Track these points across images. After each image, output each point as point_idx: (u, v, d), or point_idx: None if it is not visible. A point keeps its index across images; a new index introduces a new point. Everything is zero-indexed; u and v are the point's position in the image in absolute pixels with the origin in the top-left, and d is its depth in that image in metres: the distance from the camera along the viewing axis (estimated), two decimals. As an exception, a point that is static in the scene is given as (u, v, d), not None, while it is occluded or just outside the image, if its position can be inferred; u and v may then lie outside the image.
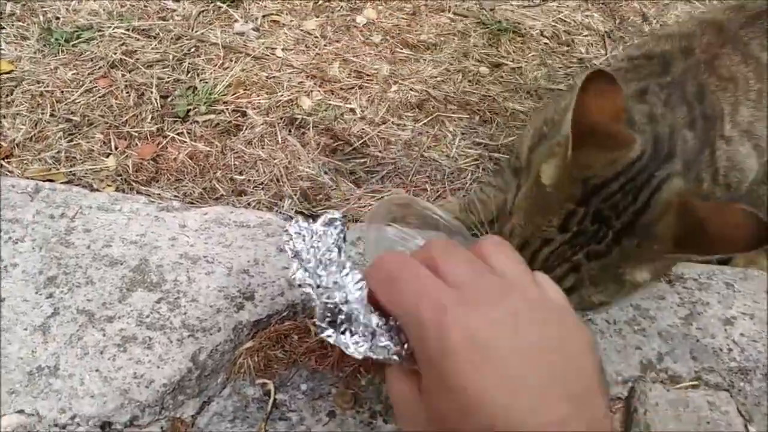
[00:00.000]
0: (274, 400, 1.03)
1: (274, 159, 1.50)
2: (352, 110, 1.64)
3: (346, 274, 0.58)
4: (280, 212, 1.35)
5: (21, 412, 0.93)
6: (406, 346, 0.51)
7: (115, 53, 1.72)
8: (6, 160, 1.40)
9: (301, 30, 1.90)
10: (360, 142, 1.54)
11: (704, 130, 0.98)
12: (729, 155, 1.03)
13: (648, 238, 0.84)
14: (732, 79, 1.02)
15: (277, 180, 1.45)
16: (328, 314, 0.55)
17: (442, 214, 0.76)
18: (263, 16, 1.93)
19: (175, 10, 1.93)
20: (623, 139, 0.88)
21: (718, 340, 1.18)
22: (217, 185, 1.42)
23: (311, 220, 0.64)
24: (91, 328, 1.00)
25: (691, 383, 1.10)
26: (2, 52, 1.70)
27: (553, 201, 0.87)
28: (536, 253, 0.89)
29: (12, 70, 1.65)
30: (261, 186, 1.44)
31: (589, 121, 0.85)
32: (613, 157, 0.87)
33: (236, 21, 1.90)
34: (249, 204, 1.38)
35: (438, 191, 1.44)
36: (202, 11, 1.93)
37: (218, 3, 1.95)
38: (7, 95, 1.57)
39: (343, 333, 0.54)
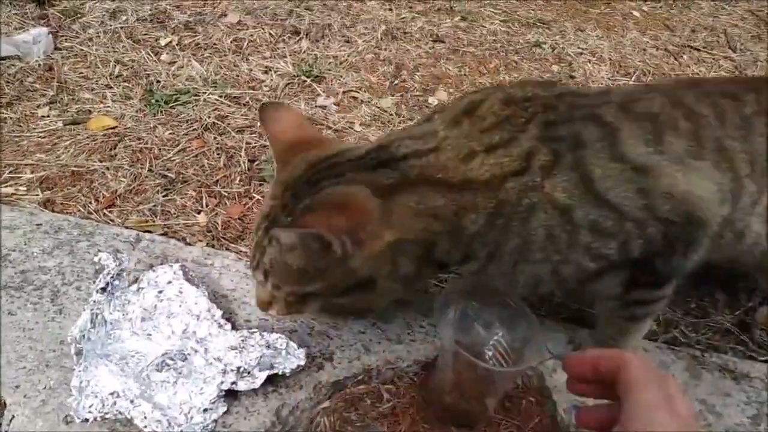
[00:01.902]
0: (348, 461, 1.07)
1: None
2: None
3: None
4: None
5: (118, 449, 0.99)
6: None
7: (209, 117, 1.87)
8: (108, 210, 1.52)
9: (378, 107, 2.02)
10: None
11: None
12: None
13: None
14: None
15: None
16: None
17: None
18: (343, 92, 2.07)
19: (263, 81, 2.08)
20: (319, 139, 1.09)
21: (788, 444, 1.18)
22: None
23: None
24: (182, 376, 1.07)
25: (759, 486, 1.10)
26: (108, 109, 1.86)
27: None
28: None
29: (116, 126, 1.80)
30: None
31: (282, 146, 1.06)
32: (319, 151, 1.04)
33: (319, 95, 2.04)
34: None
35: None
36: (289, 84, 2.08)
37: (303, 77, 2.10)
38: (111, 149, 1.72)
39: None
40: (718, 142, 1.05)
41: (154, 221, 1.51)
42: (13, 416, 1.01)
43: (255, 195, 1.64)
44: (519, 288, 1.09)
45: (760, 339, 1.45)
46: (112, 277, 1.12)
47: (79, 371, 0.99)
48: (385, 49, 2.34)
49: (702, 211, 1.03)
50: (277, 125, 1.09)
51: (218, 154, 1.75)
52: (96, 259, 1.16)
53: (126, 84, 1.98)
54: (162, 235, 1.45)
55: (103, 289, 1.10)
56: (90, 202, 1.53)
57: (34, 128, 1.76)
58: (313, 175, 0.99)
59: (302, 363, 1.09)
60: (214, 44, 2.24)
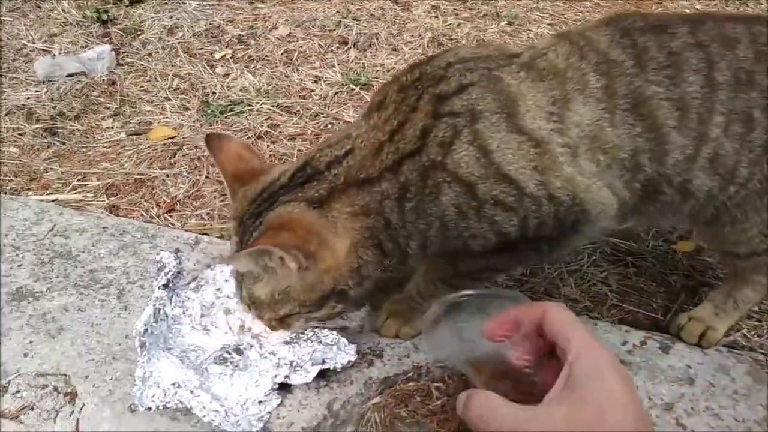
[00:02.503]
0: (398, 456, 1.09)
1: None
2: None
3: None
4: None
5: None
6: None
7: (262, 126, 1.94)
8: (168, 214, 1.59)
9: (426, 112, 2.05)
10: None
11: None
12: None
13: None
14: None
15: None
16: None
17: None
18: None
19: (313, 90, 2.14)
20: (255, 169, 1.08)
21: None
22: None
23: None
24: (238, 369, 1.12)
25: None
26: (167, 120, 1.95)
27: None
28: None
29: (175, 136, 1.88)
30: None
31: (229, 177, 1.10)
32: (256, 185, 1.05)
33: (367, 102, 2.09)
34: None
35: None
36: (337, 92, 2.13)
37: (351, 86, 2.15)
38: (170, 157, 1.80)
39: None
40: (635, 93, 0.98)
41: (211, 225, 1.57)
42: (84, 404, 1.08)
43: (306, 199, 1.68)
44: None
45: (824, 342, 1.40)
46: (172, 274, 1.17)
47: (143, 363, 1.05)
48: (432, 57, 2.37)
49: (583, 196, 1.00)
50: (222, 155, 1.11)
51: (271, 161, 1.81)
52: (158, 258, 1.22)
53: (184, 96, 2.07)
54: (219, 237, 1.51)
55: (165, 286, 1.15)
56: (152, 207, 1.61)
57: (100, 139, 1.86)
58: (254, 210, 1.02)
59: (353, 359, 1.12)
60: (266, 56, 2.32)
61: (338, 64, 2.28)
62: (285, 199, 0.99)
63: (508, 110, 0.97)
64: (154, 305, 1.12)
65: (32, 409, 1.09)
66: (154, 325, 1.12)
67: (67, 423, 1.07)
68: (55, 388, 1.11)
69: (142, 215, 1.57)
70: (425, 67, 1.04)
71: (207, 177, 1.73)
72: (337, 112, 2.03)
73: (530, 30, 2.60)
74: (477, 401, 0.77)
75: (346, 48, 2.40)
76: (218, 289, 1.21)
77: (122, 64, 2.21)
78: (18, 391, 1.11)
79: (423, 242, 1.03)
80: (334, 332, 1.16)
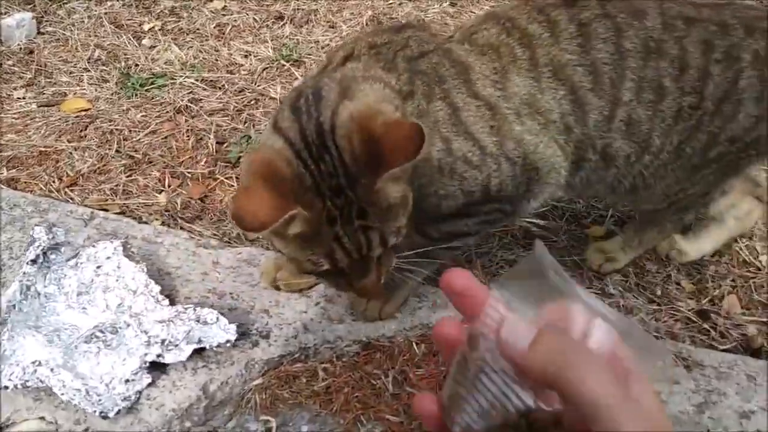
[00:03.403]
0: (274, 437, 1.07)
1: (312, 209, 1.58)
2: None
3: None
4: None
5: (42, 419, 1.01)
6: None
7: (182, 100, 1.88)
8: (69, 188, 1.54)
9: (355, 91, 2.01)
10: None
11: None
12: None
13: (360, 173, 0.88)
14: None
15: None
16: None
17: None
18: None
19: (242, 65, 2.09)
20: None
21: (731, 433, 1.15)
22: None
23: None
24: (106, 347, 1.08)
25: (695, 474, 1.07)
26: (84, 91, 1.89)
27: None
28: (344, 248, 0.92)
29: (89, 108, 1.82)
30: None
31: None
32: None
33: (296, 79, 2.04)
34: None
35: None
36: (267, 68, 2.08)
37: (282, 61, 2.10)
38: (82, 130, 1.74)
39: None
40: (553, 61, 1.06)
41: (114, 200, 1.52)
42: (-54, 384, 1.04)
43: (219, 176, 1.64)
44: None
45: (723, 328, 1.41)
46: (42, 249, 1.13)
47: (3, 340, 1.01)
48: (369, 35, 2.32)
49: (533, 156, 1.07)
50: None
51: (188, 136, 1.76)
52: (31, 232, 1.17)
53: (104, 68, 2.00)
54: (119, 213, 1.47)
55: (33, 261, 1.11)
56: (53, 181, 1.55)
57: (9, 110, 1.79)
58: None
59: (232, 338, 1.10)
60: (197, 29, 2.25)
61: (271, 40, 2.22)
62: None
63: (464, 77, 1.04)
64: (21, 281, 1.08)
65: None
66: (24, 302, 1.08)
67: (-74, 402, 1.03)
68: None
69: (41, 189, 1.52)
70: (392, 36, 1.07)
71: (117, 151, 1.68)
72: (264, 88, 1.99)
73: (472, 12, 2.56)
74: None
75: (281, 23, 2.34)
76: (99, 267, 1.17)
77: (43, 33, 2.13)
78: None
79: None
80: (215, 311, 1.13)
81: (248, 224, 0.85)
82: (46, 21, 2.19)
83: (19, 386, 0.97)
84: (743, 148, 1.14)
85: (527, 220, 1.61)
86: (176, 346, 1.05)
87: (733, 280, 1.52)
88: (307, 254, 0.92)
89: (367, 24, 2.39)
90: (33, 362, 0.98)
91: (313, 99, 0.94)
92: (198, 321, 1.10)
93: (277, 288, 1.27)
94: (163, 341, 1.05)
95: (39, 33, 2.12)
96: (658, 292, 1.47)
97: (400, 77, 1.01)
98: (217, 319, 1.10)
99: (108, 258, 1.18)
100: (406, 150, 0.86)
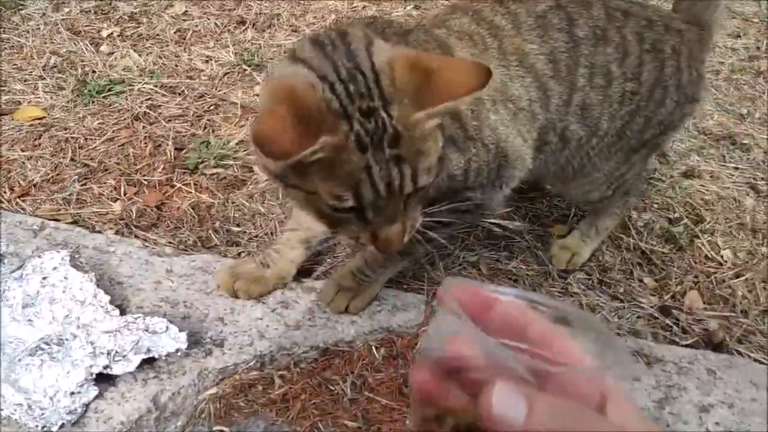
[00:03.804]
0: (228, 447, 1.04)
1: (272, 214, 1.56)
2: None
3: None
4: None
5: (-17, 436, 0.97)
6: None
7: (141, 107, 1.84)
8: (21, 199, 1.49)
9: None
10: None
11: None
12: None
13: (399, 98, 0.81)
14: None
15: (272, 234, 1.50)
16: None
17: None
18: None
19: (203, 71, 2.05)
20: None
21: (691, 427, 1.14)
22: (212, 235, 1.48)
23: None
24: (51, 359, 1.05)
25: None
26: (39, 99, 1.84)
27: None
28: (372, 180, 0.83)
29: (44, 117, 1.78)
30: (255, 238, 1.49)
31: None
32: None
33: (258, 84, 2.02)
34: (239, 255, 1.43)
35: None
36: (228, 73, 2.05)
37: (244, 66, 2.08)
38: (35, 139, 1.70)
39: None
40: (518, 50, 1.10)
41: (67, 210, 1.49)
42: None
43: (177, 183, 1.61)
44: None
45: (685, 324, 1.42)
46: (-17, 261, 1.09)
47: (-60, 356, 0.97)
48: (332, 38, 2.31)
49: (504, 144, 1.10)
50: None
51: (145, 143, 1.72)
52: (-29, 244, 1.13)
53: (60, 75, 1.96)
54: (71, 223, 1.43)
55: (-27, 273, 1.07)
56: (4, 192, 1.51)
57: (-40, 119, 1.74)
58: None
59: (182, 347, 1.07)
60: (157, 35, 2.21)
61: (233, 45, 2.20)
62: None
63: (448, 56, 1.04)
64: (-40, 294, 1.04)
65: None
66: (-36, 315, 1.04)
67: None
68: None
69: (-9, 200, 1.48)
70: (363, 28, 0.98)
71: (72, 160, 1.64)
72: (224, 93, 1.96)
73: (436, 13, 2.56)
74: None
75: (243, 28, 2.32)
76: (44, 278, 1.13)
77: (-3, 41, 2.08)
78: None
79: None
80: (164, 320, 1.10)
81: (272, 151, 0.78)
82: (0, 28, 2.14)
83: (-44, 403, 0.93)
84: (666, 130, 1.27)
85: (489, 221, 1.60)
86: (124, 356, 1.02)
87: (695, 276, 1.53)
88: (329, 187, 0.83)
89: (330, 27, 2.38)
90: (-29, 378, 0.95)
91: (338, 37, 0.86)
92: (147, 330, 1.07)
93: (236, 296, 1.24)
94: (109, 352, 1.02)
95: (-8, 41, 2.07)
96: (621, 290, 1.47)
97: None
98: (167, 328, 1.08)
99: (54, 268, 1.14)
100: (470, 85, 0.81)
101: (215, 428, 1.07)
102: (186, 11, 2.37)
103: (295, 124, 0.78)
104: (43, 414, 0.94)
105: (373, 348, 1.21)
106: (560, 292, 1.45)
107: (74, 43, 2.10)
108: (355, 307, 1.25)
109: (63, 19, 2.22)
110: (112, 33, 2.19)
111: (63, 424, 0.94)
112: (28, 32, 2.13)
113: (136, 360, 1.02)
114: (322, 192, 0.84)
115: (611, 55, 1.15)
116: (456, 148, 1.05)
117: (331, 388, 1.14)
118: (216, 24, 2.31)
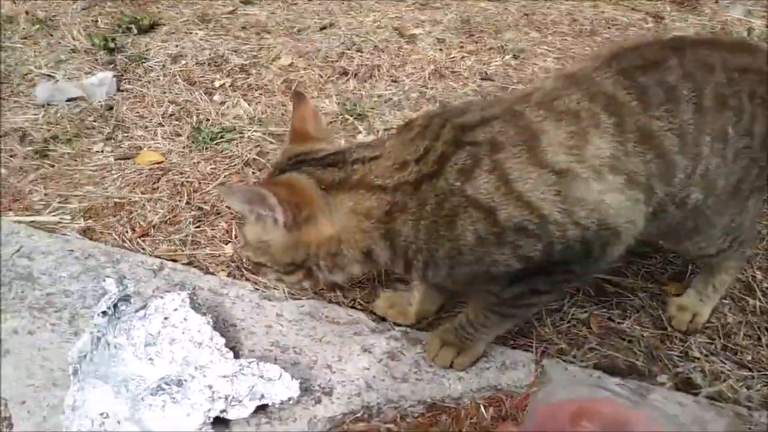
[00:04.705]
0: (337, 501, 1.03)
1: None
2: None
3: None
4: (372, 313, 1.39)
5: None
6: None
7: (250, 153, 1.92)
8: (141, 239, 1.58)
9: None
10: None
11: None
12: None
13: None
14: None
15: (374, 279, 1.50)
16: None
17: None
18: (384, 129, 2.08)
19: (309, 120, 2.13)
20: (310, 135, 1.18)
21: None
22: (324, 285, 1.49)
23: None
24: (172, 400, 1.07)
25: None
26: (158, 145, 1.96)
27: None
28: None
29: (162, 161, 1.89)
30: (358, 284, 1.50)
31: (293, 127, 1.20)
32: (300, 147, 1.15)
33: (359, 132, 2.07)
34: (342, 302, 1.44)
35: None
36: (331, 122, 2.12)
37: (346, 116, 2.14)
38: (154, 182, 1.80)
39: None
40: (642, 128, 1.05)
41: (183, 250, 1.55)
42: (16, 432, 1.05)
43: (284, 228, 1.65)
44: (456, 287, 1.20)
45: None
46: (113, 301, 1.15)
47: (74, 391, 1.02)
48: (432, 88, 2.34)
49: (614, 219, 1.05)
50: (297, 110, 1.22)
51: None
52: (102, 284, 1.19)
53: (177, 122, 2.08)
54: (187, 264, 1.49)
55: (104, 313, 1.13)
56: (126, 231, 1.60)
57: (88, 162, 1.88)
58: (284, 166, 1.11)
59: (294, 395, 1.07)
60: (265, 85, 2.32)
61: (336, 95, 2.27)
62: (305, 169, 1.08)
63: (530, 143, 1.02)
64: (92, 332, 1.10)
65: (-32, 433, 1.07)
66: (95, 352, 1.09)
67: (-2, 450, 1.05)
68: (-7, 413, 1.09)
69: (115, 239, 1.56)
70: (454, 104, 1.13)
71: (187, 203, 1.72)
72: (335, 147, 2.01)
73: (535, 64, 2.55)
74: None
75: (346, 78, 2.40)
76: (166, 318, 1.18)
77: (122, 90, 2.24)
78: (-44, 415, 1.09)
79: (427, 261, 1.07)
80: (277, 366, 1.11)
81: None
82: (125, 79, 2.31)
83: (86, 438, 0.97)
84: None
85: (600, 276, 1.54)
86: (239, 402, 1.04)
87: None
88: None
89: (429, 78, 2.41)
90: (101, 414, 0.98)
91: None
92: (261, 377, 1.08)
93: (386, 318, 1.35)
94: (226, 397, 1.03)
95: (118, 90, 2.23)
96: (749, 357, 1.36)
97: (429, 159, 1.03)
98: (280, 375, 1.09)
99: (175, 310, 1.18)
100: None
101: (323, 480, 1.05)
102: (292, 63, 2.48)
103: None
104: (164, 454, 0.96)
105: (482, 407, 1.17)
106: (679, 356, 1.36)
107: (190, 93, 2.23)
108: (459, 364, 1.23)
109: (180, 71, 2.37)
110: (224, 83, 2.32)
111: (183, 465, 0.96)
112: (149, 83, 2.29)
113: (251, 406, 1.03)
114: None
115: (730, 119, 1.11)
116: (525, 234, 1.02)
117: (440, 445, 1.11)
118: (320, 75, 2.40)
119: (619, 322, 1.43)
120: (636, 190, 1.06)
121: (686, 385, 1.30)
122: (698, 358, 1.35)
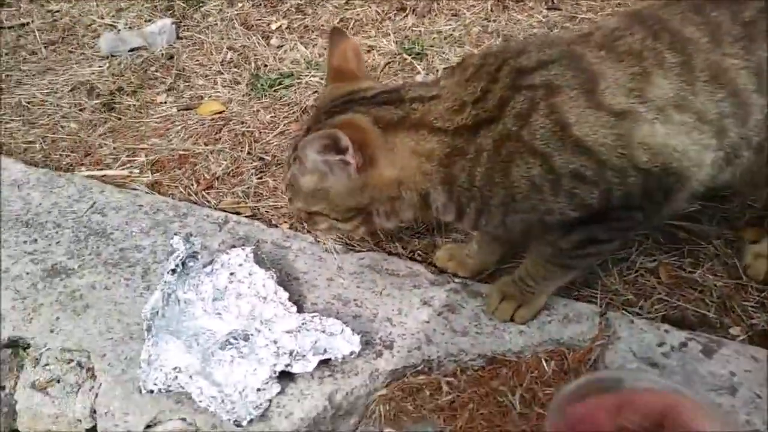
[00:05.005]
0: (399, 451, 1.06)
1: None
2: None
3: None
4: (433, 264, 1.39)
5: (183, 420, 1.07)
6: None
7: (308, 99, 1.91)
8: (206, 191, 1.62)
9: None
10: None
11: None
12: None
13: None
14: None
15: (432, 230, 1.49)
16: None
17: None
18: (444, 68, 2.02)
19: (365, 61, 2.08)
20: (353, 74, 1.16)
21: None
22: (379, 233, 1.50)
23: None
24: (239, 355, 1.12)
25: None
26: (218, 94, 1.98)
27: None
28: None
29: (223, 111, 1.90)
30: (417, 235, 1.49)
31: (332, 66, 1.18)
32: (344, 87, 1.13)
33: (418, 73, 2.01)
34: (401, 254, 1.44)
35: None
36: (389, 62, 2.06)
37: (404, 55, 2.07)
38: (216, 133, 1.82)
39: None
40: (713, 66, 1.00)
41: (246, 203, 1.58)
42: (101, 383, 1.13)
43: (343, 177, 1.65)
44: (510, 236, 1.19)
45: None
46: (181, 259, 1.19)
47: (148, 346, 1.08)
48: (494, 21, 2.23)
49: (679, 163, 1.01)
50: (335, 48, 1.19)
51: (313, 136, 1.78)
52: (171, 242, 1.24)
53: (236, 69, 2.08)
54: (250, 216, 1.52)
55: (173, 271, 1.17)
56: (192, 184, 1.64)
57: (153, 114, 1.92)
58: (332, 108, 1.08)
59: (356, 349, 1.10)
60: (322, 26, 2.27)
61: (393, 33, 2.20)
62: (358, 109, 1.05)
63: (588, 86, 0.98)
64: (162, 290, 1.15)
65: (58, 381, 1.16)
66: (166, 308, 1.15)
67: (86, 397, 1.13)
68: (79, 364, 1.17)
69: (181, 192, 1.61)
70: (512, 42, 1.12)
71: (249, 153, 1.74)
72: (386, 85, 1.97)
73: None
74: None
75: (404, 15, 2.31)
76: (232, 273, 1.22)
77: (181, 38, 2.25)
78: (47, 364, 1.18)
79: (480, 209, 1.06)
80: (339, 321, 1.13)
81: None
82: (184, 25, 2.31)
83: (162, 390, 1.04)
84: None
85: (672, 222, 1.47)
86: (303, 356, 1.07)
87: None
88: None
89: (491, 10, 2.29)
90: (174, 368, 1.04)
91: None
92: (324, 332, 1.11)
93: (446, 270, 1.34)
94: (291, 352, 1.07)
95: (178, 38, 2.24)
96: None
97: (487, 103, 1.01)
98: (342, 330, 1.11)
99: (240, 265, 1.22)
100: None
101: (386, 430, 1.09)
102: (348, 0, 2.41)
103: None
104: (233, 408, 1.01)
105: (543, 360, 1.16)
106: (755, 307, 1.30)
107: (248, 38, 2.22)
108: (520, 317, 1.22)
109: (237, 14, 2.35)
110: (280, 26, 2.29)
111: (252, 419, 1.01)
112: (207, 29, 2.28)
113: (315, 360, 1.06)
114: None
115: None
116: (581, 182, 0.99)
117: (499, 399, 1.12)
118: (377, 12, 2.32)
119: (690, 272, 1.37)
120: (706, 131, 1.01)
121: (761, 338, 1.24)
122: (776, 313, 1.28)
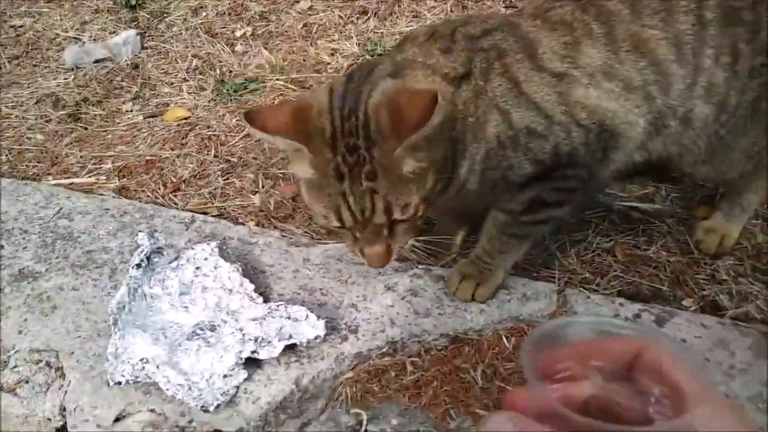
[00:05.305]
0: (365, 430, 1.09)
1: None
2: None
3: None
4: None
5: (152, 411, 1.08)
6: None
7: (273, 102, 1.94)
8: (173, 194, 1.64)
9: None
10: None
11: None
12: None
13: (381, 139, 0.94)
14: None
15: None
16: None
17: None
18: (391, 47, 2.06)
19: (329, 64, 2.12)
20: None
21: None
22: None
23: None
24: (206, 344, 1.14)
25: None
26: (184, 100, 2.00)
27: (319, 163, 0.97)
28: (349, 206, 0.96)
29: (189, 117, 1.93)
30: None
31: (285, 120, 0.97)
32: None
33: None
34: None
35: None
36: (352, 64, 2.10)
37: (367, 56, 2.12)
38: (182, 138, 1.84)
39: None
40: (634, 37, 1.07)
41: (212, 203, 1.61)
42: (70, 381, 1.14)
43: (309, 175, 1.68)
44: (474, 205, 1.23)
45: None
46: (146, 254, 1.21)
47: (115, 339, 1.10)
48: (453, 21, 2.29)
49: (612, 121, 1.09)
50: (269, 118, 0.99)
51: (278, 137, 1.82)
52: (135, 238, 1.26)
53: (201, 76, 2.11)
54: (217, 216, 1.54)
55: (138, 265, 1.20)
56: (159, 188, 1.66)
57: (119, 122, 1.93)
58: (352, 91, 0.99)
59: (321, 333, 1.13)
60: (286, 31, 2.31)
61: (356, 35, 2.25)
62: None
63: (529, 51, 1.08)
64: (128, 284, 1.17)
65: (27, 382, 1.17)
66: (132, 303, 1.17)
67: (55, 396, 1.14)
68: (48, 363, 1.18)
69: (148, 196, 1.63)
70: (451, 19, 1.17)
71: (215, 156, 1.77)
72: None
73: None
74: None
75: (366, 18, 2.36)
76: (197, 268, 1.24)
77: (146, 48, 2.27)
78: (15, 366, 1.19)
79: (470, 168, 1.09)
80: (304, 308, 1.16)
81: (254, 120, 0.94)
82: (149, 36, 2.33)
83: (130, 381, 1.05)
84: None
85: (627, 203, 1.53)
86: (269, 342, 1.10)
87: None
88: (319, 206, 0.99)
89: (451, 11, 2.35)
90: (141, 359, 1.06)
91: (365, 72, 1.02)
92: (289, 318, 1.14)
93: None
94: (256, 338, 1.09)
95: (143, 48, 2.26)
96: (778, 277, 1.34)
97: (457, 59, 1.06)
98: (307, 316, 1.14)
99: (206, 259, 1.24)
100: (421, 116, 0.90)
101: (352, 411, 1.12)
102: (311, 6, 2.45)
103: (288, 122, 0.94)
104: (201, 395, 1.03)
105: (504, 337, 1.20)
106: (706, 279, 1.36)
107: (212, 45, 2.25)
108: (480, 295, 1.26)
109: (201, 23, 2.38)
110: (245, 33, 2.32)
111: (219, 405, 1.03)
112: (172, 38, 2.31)
113: (280, 346, 1.09)
114: (314, 208, 1.01)
115: (741, 35, 1.09)
116: (534, 137, 1.07)
117: (462, 376, 1.15)
118: (340, 16, 2.37)
119: (644, 249, 1.42)
120: (633, 96, 1.09)
121: (712, 308, 1.30)
122: (725, 281, 1.34)
